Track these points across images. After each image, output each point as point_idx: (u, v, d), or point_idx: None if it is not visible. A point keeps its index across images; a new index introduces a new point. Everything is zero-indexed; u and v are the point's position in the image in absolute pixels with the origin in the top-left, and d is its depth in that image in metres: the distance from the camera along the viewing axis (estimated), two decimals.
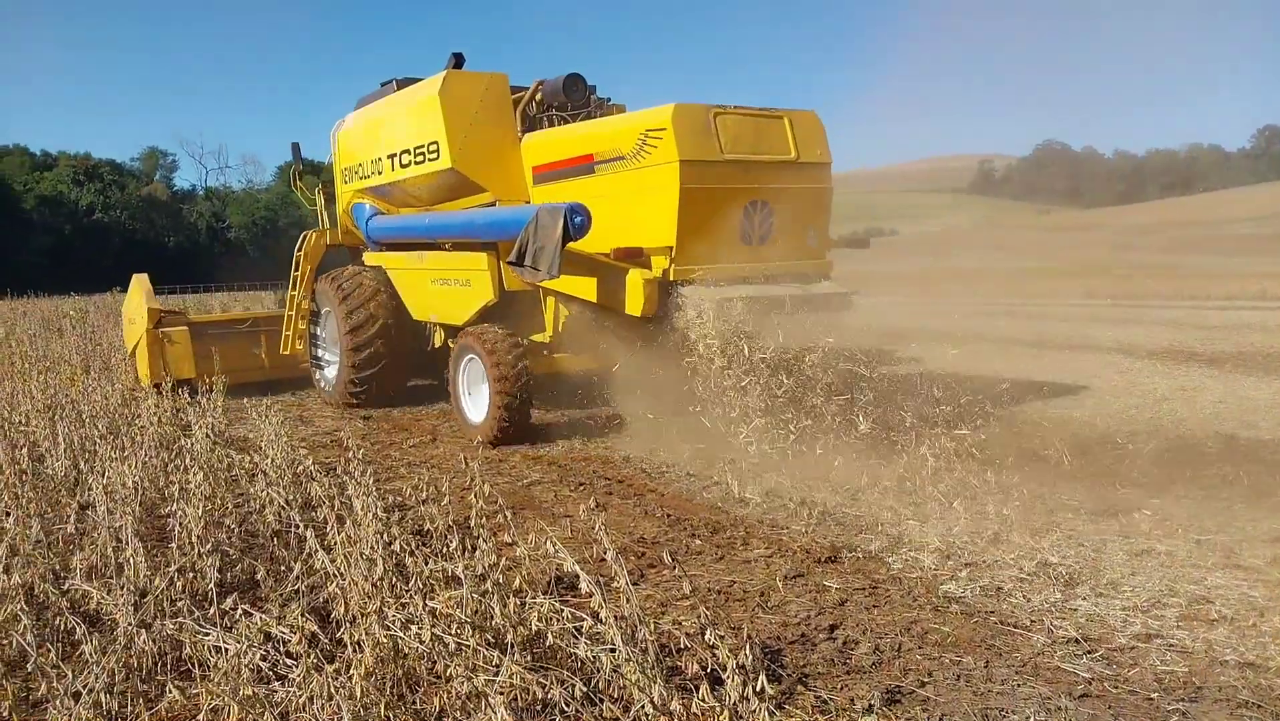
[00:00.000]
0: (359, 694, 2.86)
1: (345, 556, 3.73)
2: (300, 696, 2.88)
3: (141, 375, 10.87)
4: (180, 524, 4.46)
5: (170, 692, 3.11)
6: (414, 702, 3.05)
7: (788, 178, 7.51)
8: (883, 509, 5.63)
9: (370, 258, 10.53)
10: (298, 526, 4.53)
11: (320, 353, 11.04)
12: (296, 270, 11.12)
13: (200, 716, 2.95)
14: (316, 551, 3.85)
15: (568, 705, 2.96)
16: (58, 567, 4.26)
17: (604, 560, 4.37)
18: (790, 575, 4.56)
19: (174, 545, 4.35)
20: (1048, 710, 3.20)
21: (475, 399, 8.39)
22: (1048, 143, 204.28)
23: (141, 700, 3.19)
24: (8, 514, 4.65)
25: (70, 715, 2.97)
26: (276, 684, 3.09)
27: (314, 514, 4.75)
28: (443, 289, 9.20)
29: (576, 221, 6.80)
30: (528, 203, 8.26)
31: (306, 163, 12.72)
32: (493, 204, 8.70)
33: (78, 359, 12.08)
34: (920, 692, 3.34)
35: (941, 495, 5.89)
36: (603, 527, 4.21)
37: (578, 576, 3.35)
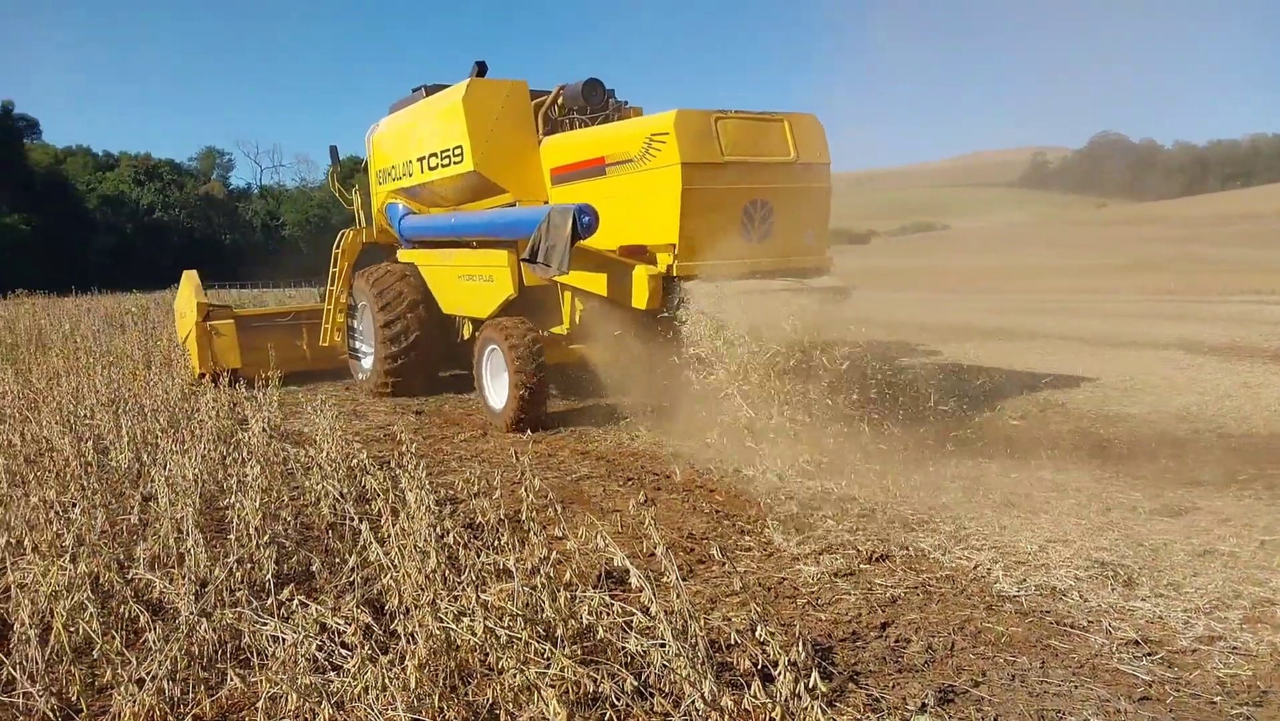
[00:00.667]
0: (413, 685, 2.90)
1: (399, 549, 3.78)
2: (355, 686, 2.93)
3: (192, 365, 11.47)
4: (238, 516, 4.55)
5: (231, 680, 3.17)
6: (466, 694, 3.08)
7: (787, 178, 7.83)
8: (933, 507, 5.56)
9: (403, 255, 11.03)
10: (352, 519, 4.60)
11: (357, 344, 11.58)
12: (335, 267, 11.79)
13: (259, 704, 3.01)
14: (371, 544, 3.90)
15: (618, 699, 2.97)
16: (122, 557, 4.37)
17: (653, 555, 4.38)
18: (840, 572, 4.52)
19: (232, 536, 4.44)
20: (1106, 713, 3.14)
21: (497, 387, 8.85)
22: (1103, 134, 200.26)
23: (203, 687, 3.27)
24: (74, 504, 4.77)
25: (134, 701, 3.05)
26: (332, 674, 3.15)
27: (368, 507, 4.82)
28: (469, 284, 9.66)
29: (585, 221, 7.26)
30: (546, 203, 8.64)
31: (351, 160, 13.11)
32: (513, 204, 9.11)
33: (139, 354, 12.37)
34: (974, 692, 3.30)
35: (994, 493, 5.81)
36: (652, 522, 4.22)
37: (628, 571, 3.36)
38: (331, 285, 11.82)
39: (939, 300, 28.09)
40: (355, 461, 5.68)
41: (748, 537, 5.14)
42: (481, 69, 9.60)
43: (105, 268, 58.44)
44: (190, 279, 12.20)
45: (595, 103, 9.22)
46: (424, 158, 10.02)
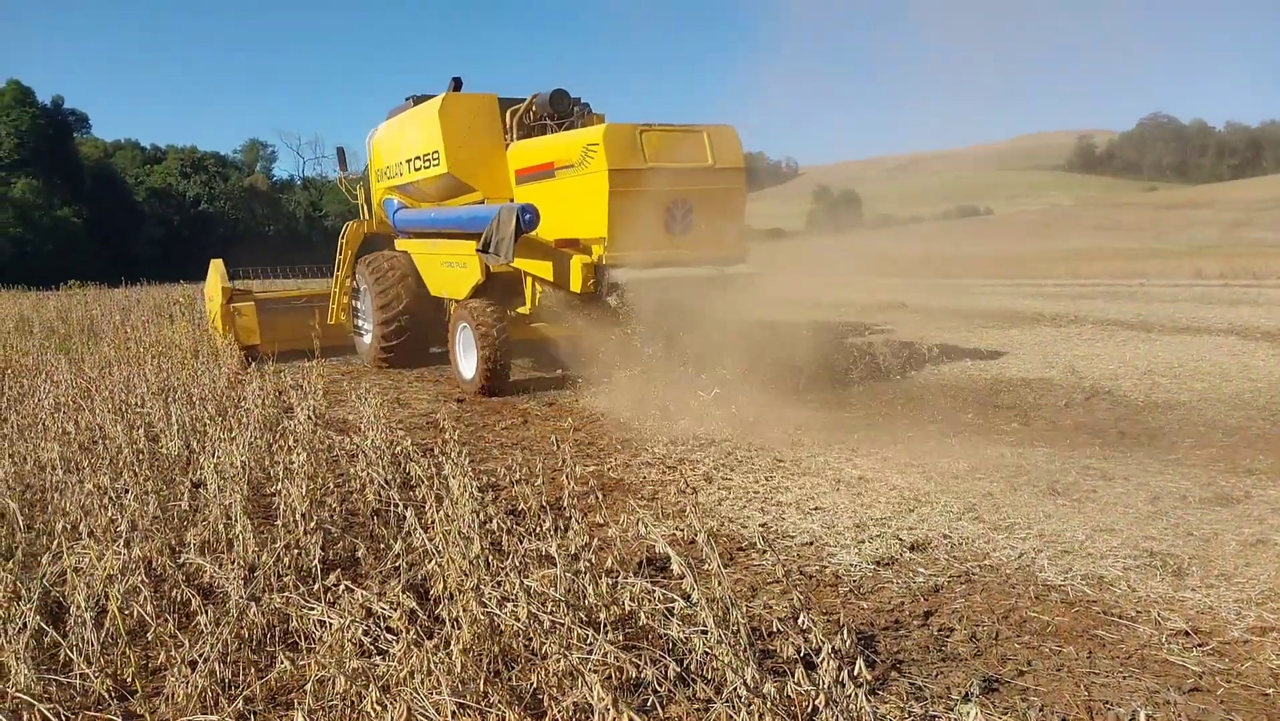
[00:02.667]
0: (459, 669, 2.93)
1: (443, 535, 3.82)
2: (401, 670, 2.97)
3: (220, 341, 12.70)
4: (285, 502, 4.62)
5: (281, 663, 3.23)
6: (510, 679, 3.11)
7: (705, 181, 9.03)
8: (977, 495, 5.50)
9: (399, 244, 12.53)
10: (397, 505, 4.65)
11: (360, 323, 13.10)
12: (340, 255, 13.40)
13: (307, 686, 3.06)
14: (415, 530, 3.94)
15: (660, 685, 2.98)
16: (173, 542, 4.46)
17: (694, 542, 4.39)
18: (882, 561, 4.49)
19: (279, 522, 4.51)
20: (1155, 704, 3.09)
21: (467, 359, 10.22)
22: (1152, 115, 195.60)
23: (253, 669, 3.33)
24: (127, 491, 4.88)
25: (187, 682, 3.11)
26: (378, 658, 3.19)
27: (412, 493, 4.87)
28: (449, 270, 11.02)
29: (526, 218, 8.76)
30: (512, 200, 9.91)
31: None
32: (483, 202, 10.47)
33: (187, 344, 12.58)
34: (1019, 682, 3.27)
35: (1039, 480, 5.74)
36: (693, 510, 4.22)
37: (669, 558, 3.37)
38: (337, 271, 13.47)
39: (982, 286, 27.72)
40: (399, 449, 5.73)
41: (788, 524, 5.11)
42: (457, 84, 11.10)
43: (153, 259, 59.53)
44: (216, 267, 13.90)
45: (562, 110, 10.38)
46: (411, 159, 11.43)
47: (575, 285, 8.88)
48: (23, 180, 61.35)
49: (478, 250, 9.35)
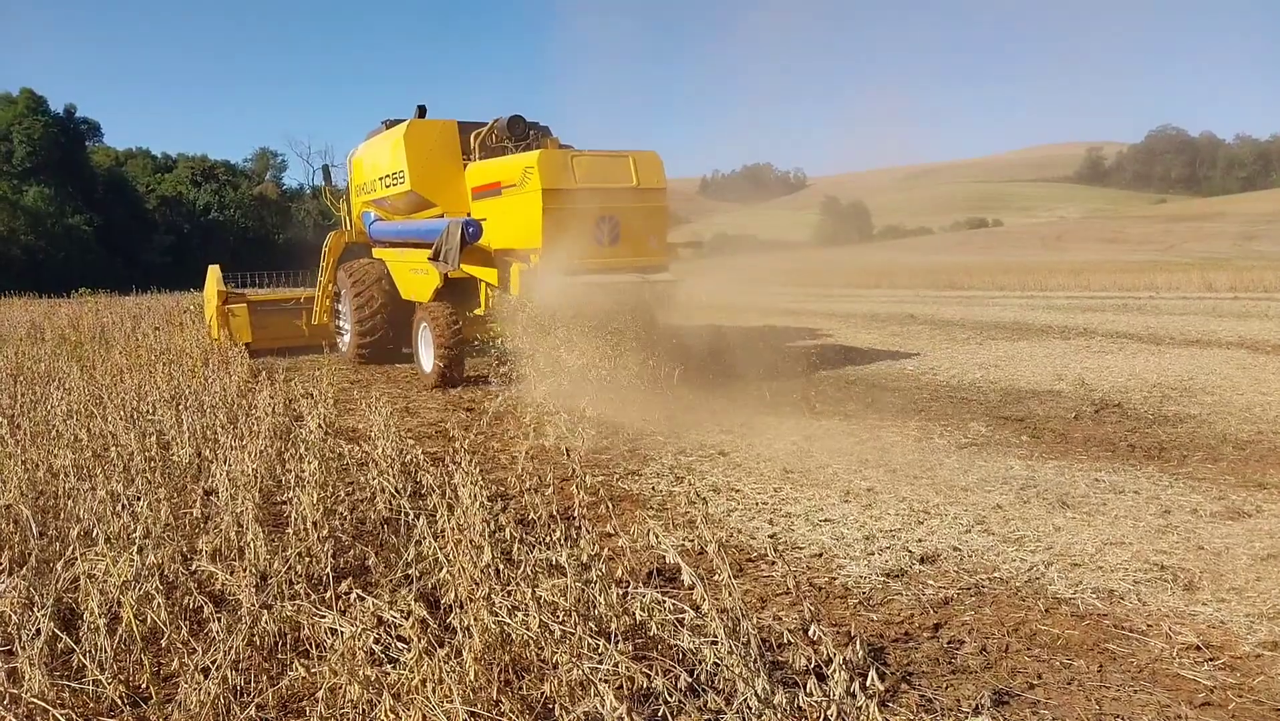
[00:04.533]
0: (471, 677, 2.94)
1: (454, 543, 3.83)
2: (413, 679, 2.97)
3: (216, 340, 14.36)
4: (296, 510, 4.64)
5: (295, 669, 3.24)
6: (521, 688, 3.12)
7: (630, 199, 10.16)
8: (986, 507, 5.50)
9: (376, 253, 13.95)
10: (408, 514, 4.67)
11: (341, 323, 14.66)
12: (324, 262, 14.92)
13: (319, 694, 3.07)
14: (426, 538, 3.96)
15: (670, 695, 2.98)
16: (185, 549, 4.48)
17: (703, 552, 4.40)
18: (891, 573, 4.49)
19: (290, 530, 4.53)
20: (1166, 718, 3.09)
21: (426, 354, 11.61)
22: (1162, 128, 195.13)
23: (265, 677, 3.35)
24: (139, 498, 4.90)
25: (200, 689, 3.13)
26: (389, 666, 3.20)
27: (422, 502, 4.89)
28: (415, 275, 12.20)
29: (470, 231, 10.23)
30: (469, 214, 11.17)
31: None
32: (442, 215, 11.58)
33: (197, 352, 12.64)
34: (1029, 695, 3.26)
35: (1048, 493, 5.73)
36: (703, 521, 4.23)
37: (679, 568, 3.37)
38: (321, 276, 15.03)
39: (991, 297, 27.68)
40: (409, 457, 5.76)
41: (797, 535, 5.11)
42: (421, 111, 12.54)
43: (164, 266, 59.81)
44: (214, 272, 15.51)
45: (518, 134, 11.58)
46: (382, 177, 12.78)
47: (514, 290, 10.08)
48: (35, 188, 61.78)
49: (429, 259, 10.80)
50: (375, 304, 13.20)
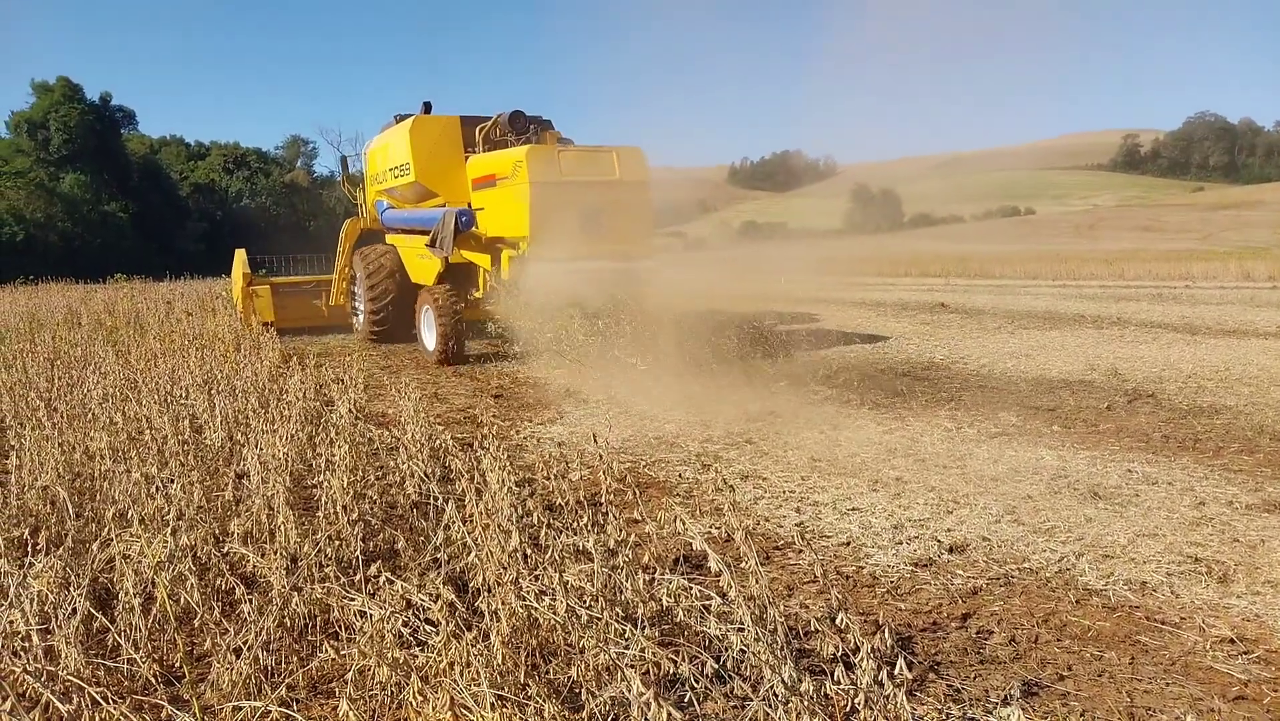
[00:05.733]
0: (500, 661, 2.96)
1: (482, 528, 3.85)
2: (441, 661, 3.00)
3: (241, 319, 15.66)
4: (326, 494, 4.69)
5: (325, 651, 3.27)
6: (548, 672, 3.14)
7: (614, 191, 11.00)
8: (1016, 497, 5.45)
9: (389, 239, 14.90)
10: (437, 498, 4.70)
11: (356, 304, 15.72)
12: (340, 247, 16.14)
13: (348, 676, 3.11)
14: (455, 522, 3.98)
15: (697, 681, 2.99)
16: (217, 531, 4.54)
17: (730, 539, 4.40)
18: (920, 562, 4.46)
19: (320, 514, 4.58)
20: (1199, 711, 3.05)
21: (429, 334, 12.53)
22: (1200, 114, 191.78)
23: (295, 658, 3.39)
24: (172, 480, 4.97)
25: (232, 669, 3.17)
26: (417, 649, 3.23)
27: (450, 487, 4.92)
28: (422, 260, 13.04)
29: (463, 220, 11.40)
30: (469, 204, 12.08)
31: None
32: (444, 205, 12.41)
33: (229, 337, 12.79)
34: (1059, 687, 3.23)
35: (1079, 484, 5.67)
36: (730, 508, 4.22)
37: (706, 555, 3.37)
38: (338, 260, 16.31)
39: (1023, 287, 27.39)
40: (438, 443, 5.80)
41: (824, 523, 5.10)
42: (427, 107, 13.54)
43: (197, 253, 60.46)
44: (240, 255, 16.73)
45: (519, 128, 12.21)
46: (392, 168, 13.71)
47: (504, 274, 11.08)
48: (72, 175, 62.62)
49: (426, 245, 11.92)
50: (386, 286, 14.18)
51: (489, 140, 12.54)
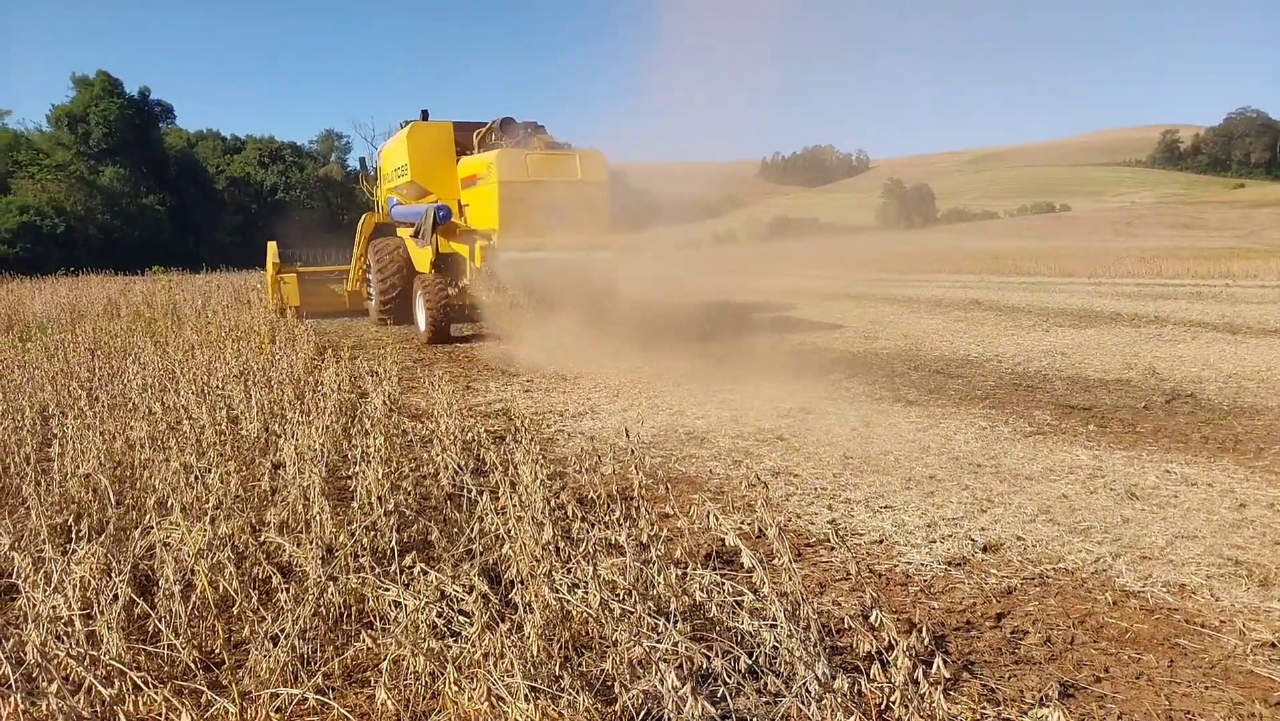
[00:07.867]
0: (534, 652, 2.97)
1: (515, 520, 3.87)
2: (475, 652, 3.02)
3: (271, 304, 17.35)
4: (361, 485, 4.73)
5: (360, 640, 3.31)
6: (581, 665, 3.15)
7: (575, 190, 12.67)
8: (1051, 497, 5.39)
9: (399, 232, 16.47)
10: (470, 490, 4.73)
11: (370, 290, 17.37)
12: (357, 240, 18.17)
13: (383, 665, 3.14)
14: (489, 514, 4.00)
15: (729, 676, 2.99)
16: (254, 521, 4.60)
17: (762, 535, 4.39)
18: (953, 561, 4.43)
19: (355, 504, 4.63)
20: (1239, 716, 3.00)
21: (421, 317, 14.04)
22: (1241, 110, 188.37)
23: (331, 646, 3.43)
24: (210, 470, 5.04)
25: (270, 656, 3.22)
26: (451, 640, 3.25)
27: (483, 479, 4.95)
28: (420, 250, 14.60)
29: (440, 215, 13.48)
30: (459, 202, 14.19)
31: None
32: (435, 202, 14.14)
33: (265, 329, 12.93)
34: (1096, 689, 3.20)
35: (1116, 484, 5.60)
36: (762, 504, 4.22)
37: (738, 550, 3.37)
38: (355, 251, 18.42)
39: (1059, 284, 27.09)
40: (471, 435, 5.83)
41: (857, 521, 5.08)
42: (424, 115, 15.76)
43: (232, 246, 61.17)
44: (271, 247, 18.39)
45: (510, 133, 13.87)
46: (396, 169, 15.97)
47: (477, 263, 12.57)
48: (111, 169, 63.50)
49: (410, 236, 14.35)
50: (393, 274, 16.01)
51: (484, 144, 14.12)
